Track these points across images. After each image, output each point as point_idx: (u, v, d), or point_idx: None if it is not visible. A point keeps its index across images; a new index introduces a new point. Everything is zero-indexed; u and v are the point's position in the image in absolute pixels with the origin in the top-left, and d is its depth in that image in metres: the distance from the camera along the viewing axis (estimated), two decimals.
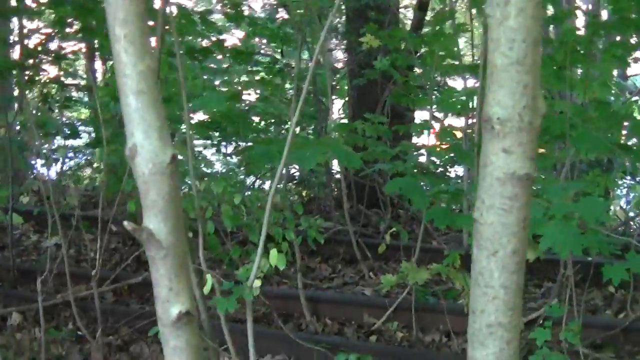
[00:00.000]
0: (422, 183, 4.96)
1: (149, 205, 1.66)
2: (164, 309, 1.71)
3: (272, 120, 9.26)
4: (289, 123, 9.30)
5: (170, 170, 1.65)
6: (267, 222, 3.59)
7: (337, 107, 10.81)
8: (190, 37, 7.09)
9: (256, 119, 9.07)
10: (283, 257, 4.80)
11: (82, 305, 5.71)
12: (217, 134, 8.81)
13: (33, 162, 7.77)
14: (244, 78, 9.08)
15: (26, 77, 7.00)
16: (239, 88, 7.66)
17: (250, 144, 7.59)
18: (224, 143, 8.99)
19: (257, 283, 3.89)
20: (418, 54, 7.25)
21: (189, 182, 5.10)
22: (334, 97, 9.80)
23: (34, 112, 8.25)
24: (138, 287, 6.64)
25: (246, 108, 8.59)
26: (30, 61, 7.14)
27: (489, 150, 1.76)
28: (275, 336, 5.58)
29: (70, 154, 10.16)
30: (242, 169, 9.32)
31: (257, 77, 8.97)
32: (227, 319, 4.95)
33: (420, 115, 8.84)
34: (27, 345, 5.75)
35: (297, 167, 9.09)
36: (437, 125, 6.58)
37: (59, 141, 9.18)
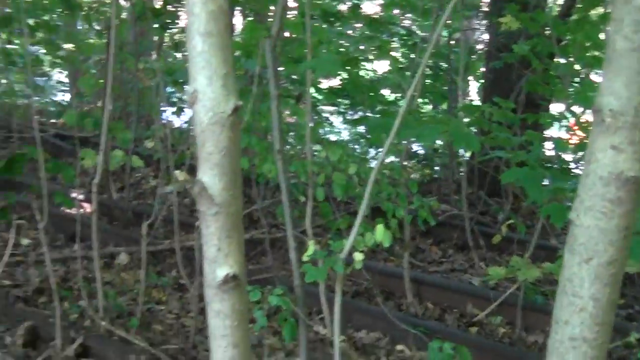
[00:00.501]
0: (544, 177, 4.70)
1: (205, 157, 1.54)
2: (210, 269, 1.61)
3: (401, 95, 9.06)
4: (420, 99, 9.17)
5: (232, 122, 1.52)
6: (368, 195, 3.45)
7: (473, 89, 10.53)
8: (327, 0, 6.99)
9: (387, 91, 8.91)
10: (389, 233, 4.63)
11: (188, 255, 5.73)
12: (346, 101, 8.72)
13: (163, 108, 7.84)
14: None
15: (161, 25, 7.04)
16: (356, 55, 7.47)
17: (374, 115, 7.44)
18: (351, 112, 8.88)
19: (360, 257, 3.77)
20: (562, 42, 6.89)
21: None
22: (469, 78, 9.53)
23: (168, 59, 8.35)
24: (245, 244, 6.63)
25: (377, 79, 8.44)
26: (169, 8, 7.19)
27: (596, 145, 1.55)
28: (373, 313, 5.50)
29: None
30: (361, 140, 9.19)
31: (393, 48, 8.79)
32: (329, 289, 4.89)
33: (556, 108, 8.46)
34: (131, 286, 5.85)
35: (421, 144, 8.91)
36: (572, 120, 6.26)
37: None
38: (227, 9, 1.50)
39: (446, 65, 8.98)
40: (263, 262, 6.49)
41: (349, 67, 6.66)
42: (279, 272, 5.98)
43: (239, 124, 1.54)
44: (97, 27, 10.68)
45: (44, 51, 9.94)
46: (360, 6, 6.90)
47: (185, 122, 9.11)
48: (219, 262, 1.61)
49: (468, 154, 8.27)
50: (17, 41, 9.08)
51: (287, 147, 7.84)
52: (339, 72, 7.60)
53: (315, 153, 6.25)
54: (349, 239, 3.44)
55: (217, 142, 1.54)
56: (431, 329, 5.08)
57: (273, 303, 3.83)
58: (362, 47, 8.63)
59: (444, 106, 9.87)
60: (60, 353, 4.60)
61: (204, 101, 1.54)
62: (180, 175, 1.52)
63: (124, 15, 8.17)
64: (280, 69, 6.28)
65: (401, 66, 9.07)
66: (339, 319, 3.43)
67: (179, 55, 9.52)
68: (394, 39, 8.66)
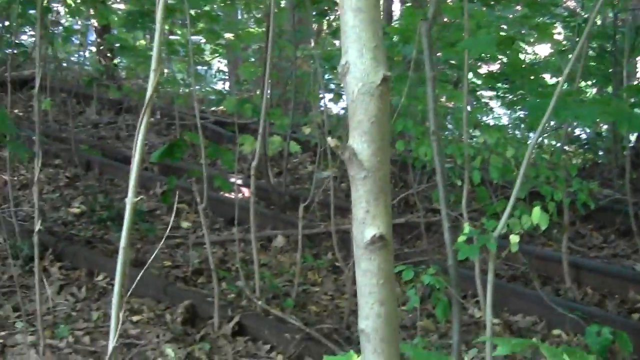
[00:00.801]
0: None
1: (355, 125, 1.67)
2: (358, 230, 1.71)
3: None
4: (584, 81, 8.92)
5: (380, 92, 1.64)
6: (522, 174, 3.43)
7: None
8: None
9: (547, 76, 8.73)
10: (546, 216, 4.57)
11: (343, 238, 5.84)
12: (506, 86, 8.60)
13: (321, 95, 8.00)
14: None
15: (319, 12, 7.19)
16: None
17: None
18: (509, 96, 8.75)
19: (516, 239, 3.75)
20: None
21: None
22: (636, 59, 9.21)
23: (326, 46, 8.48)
24: (400, 227, 6.71)
25: (537, 62, 8.28)
26: None
27: None
28: (529, 296, 5.46)
29: None
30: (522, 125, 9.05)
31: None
32: (484, 272, 4.87)
33: None
34: (287, 268, 6.02)
35: (584, 128, 8.69)
36: None
37: None
38: None
39: (611, 47, 8.70)
40: (418, 246, 6.53)
41: (506, 50, 6.56)
42: (434, 255, 6.01)
43: (388, 93, 1.66)
44: (257, 16, 10.99)
45: (204, 40, 10.29)
46: None
47: (343, 109, 9.23)
48: (367, 223, 1.70)
49: (633, 138, 8.01)
50: (178, 31, 9.46)
51: (446, 132, 7.84)
52: (498, 57, 7.51)
53: (474, 137, 6.23)
54: (502, 218, 3.43)
55: (366, 110, 1.66)
56: (590, 314, 4.97)
57: (426, 282, 3.87)
58: (523, 31, 8.49)
59: (609, 89, 9.58)
60: (218, 331, 4.81)
61: (354, 72, 1.66)
62: (332, 141, 1.63)
63: (283, 3, 8.36)
64: (438, 54, 6.28)
65: (563, 49, 8.87)
66: (491, 296, 3.42)
67: (337, 42, 9.66)
68: (556, 21, 8.46)
